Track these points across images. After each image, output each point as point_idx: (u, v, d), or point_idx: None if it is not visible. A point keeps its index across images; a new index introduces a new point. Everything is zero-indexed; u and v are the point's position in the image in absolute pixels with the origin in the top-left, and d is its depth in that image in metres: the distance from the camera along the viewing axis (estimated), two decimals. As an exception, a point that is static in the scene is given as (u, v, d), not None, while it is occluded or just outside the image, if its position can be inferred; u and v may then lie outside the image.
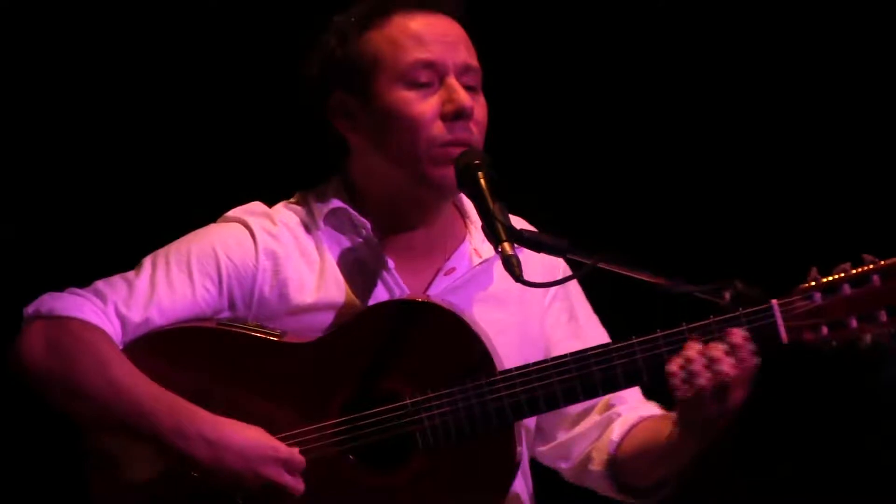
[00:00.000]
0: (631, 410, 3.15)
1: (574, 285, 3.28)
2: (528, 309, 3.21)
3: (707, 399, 2.88)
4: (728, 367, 2.88)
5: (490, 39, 3.20)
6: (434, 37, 3.06)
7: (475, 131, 3.06)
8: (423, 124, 3.04)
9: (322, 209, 3.13)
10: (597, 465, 3.17)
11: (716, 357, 2.88)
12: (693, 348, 2.90)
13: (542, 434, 3.24)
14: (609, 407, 3.19)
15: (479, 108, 3.08)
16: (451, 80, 3.05)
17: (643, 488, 3.13)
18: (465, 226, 3.21)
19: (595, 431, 3.19)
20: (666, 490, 3.11)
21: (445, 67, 3.06)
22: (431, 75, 3.06)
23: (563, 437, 3.22)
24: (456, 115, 3.04)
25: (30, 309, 3.04)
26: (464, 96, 3.04)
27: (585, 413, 3.20)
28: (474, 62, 3.11)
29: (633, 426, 3.15)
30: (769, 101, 4.49)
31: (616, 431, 3.16)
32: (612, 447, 3.15)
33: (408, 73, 3.05)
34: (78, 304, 3.02)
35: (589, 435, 3.20)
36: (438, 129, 3.04)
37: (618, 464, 3.15)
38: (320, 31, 3.16)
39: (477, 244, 3.16)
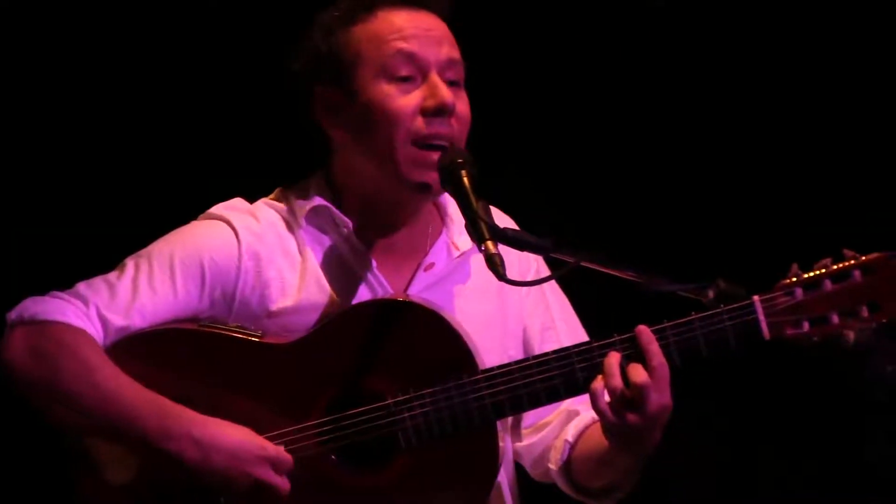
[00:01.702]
0: (589, 409, 3.09)
1: (545, 273, 3.26)
2: (507, 300, 3.22)
3: (622, 406, 2.90)
4: (639, 373, 2.89)
5: (483, 37, 3.19)
6: (416, 31, 3.06)
7: (456, 127, 3.05)
8: (402, 118, 3.02)
9: (304, 207, 3.12)
10: (553, 465, 3.18)
11: (631, 362, 2.90)
12: (612, 356, 2.92)
13: (515, 433, 3.24)
14: (577, 401, 3.18)
15: (461, 103, 3.07)
16: (434, 77, 3.04)
17: (596, 490, 3.13)
18: (441, 220, 3.20)
19: (555, 430, 3.20)
20: (618, 494, 3.11)
21: (427, 62, 3.05)
22: (413, 70, 3.04)
23: (530, 436, 3.23)
24: (437, 111, 3.03)
25: (12, 314, 3.03)
26: (445, 92, 3.03)
27: (550, 409, 3.20)
28: (458, 57, 3.09)
29: (588, 427, 3.16)
30: (752, 98, 4.50)
31: (570, 433, 3.17)
32: (566, 448, 3.16)
33: (388, 65, 3.03)
34: (60, 308, 3.01)
35: (550, 433, 3.21)
36: (418, 123, 3.03)
37: (571, 465, 3.16)
38: (305, 25, 3.15)
39: (454, 237, 3.16)
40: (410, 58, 3.04)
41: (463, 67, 3.10)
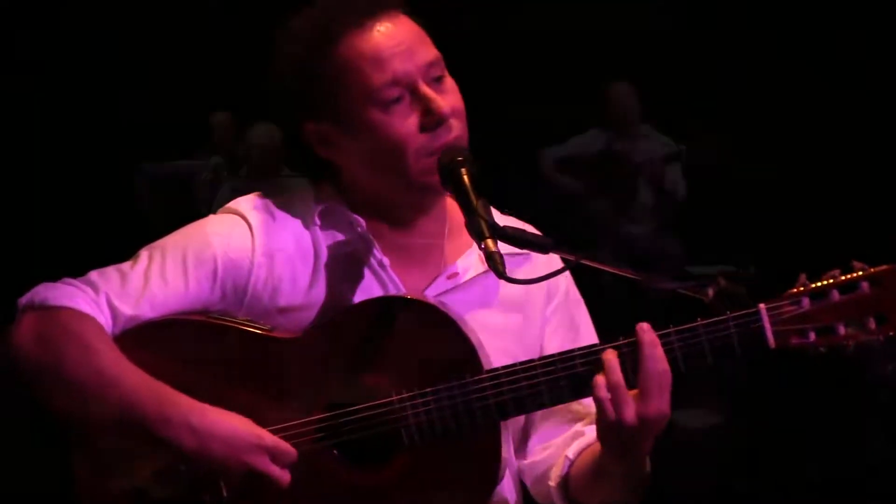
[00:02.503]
0: (594, 431, 3.06)
1: (574, 293, 3.26)
2: (530, 316, 3.19)
3: (622, 401, 2.89)
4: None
5: (483, 36, 3.18)
6: (390, 51, 3.00)
7: (456, 126, 3.03)
8: (405, 142, 3.00)
9: (318, 205, 3.12)
10: (552, 482, 3.17)
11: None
12: (610, 352, 2.92)
13: (521, 450, 3.24)
14: (586, 424, 3.18)
15: (452, 96, 3.04)
16: (423, 90, 3.01)
17: None
18: None
19: (560, 449, 3.19)
20: None
21: (411, 77, 3.00)
22: (401, 90, 3.00)
23: (535, 454, 3.23)
24: (437, 125, 3.01)
25: (23, 299, 3.04)
26: (439, 104, 3.00)
27: (557, 432, 3.20)
28: (435, 55, 3.04)
29: (590, 444, 3.14)
30: (765, 103, 4.50)
31: (573, 450, 3.15)
32: (565, 464, 3.15)
33: (375, 95, 2.99)
34: (70, 294, 3.02)
35: (555, 452, 3.19)
36: (422, 140, 3.01)
37: (569, 482, 3.15)
38: (274, 61, 3.09)
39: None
40: (395, 82, 2.99)
41: (441, 58, 3.05)
